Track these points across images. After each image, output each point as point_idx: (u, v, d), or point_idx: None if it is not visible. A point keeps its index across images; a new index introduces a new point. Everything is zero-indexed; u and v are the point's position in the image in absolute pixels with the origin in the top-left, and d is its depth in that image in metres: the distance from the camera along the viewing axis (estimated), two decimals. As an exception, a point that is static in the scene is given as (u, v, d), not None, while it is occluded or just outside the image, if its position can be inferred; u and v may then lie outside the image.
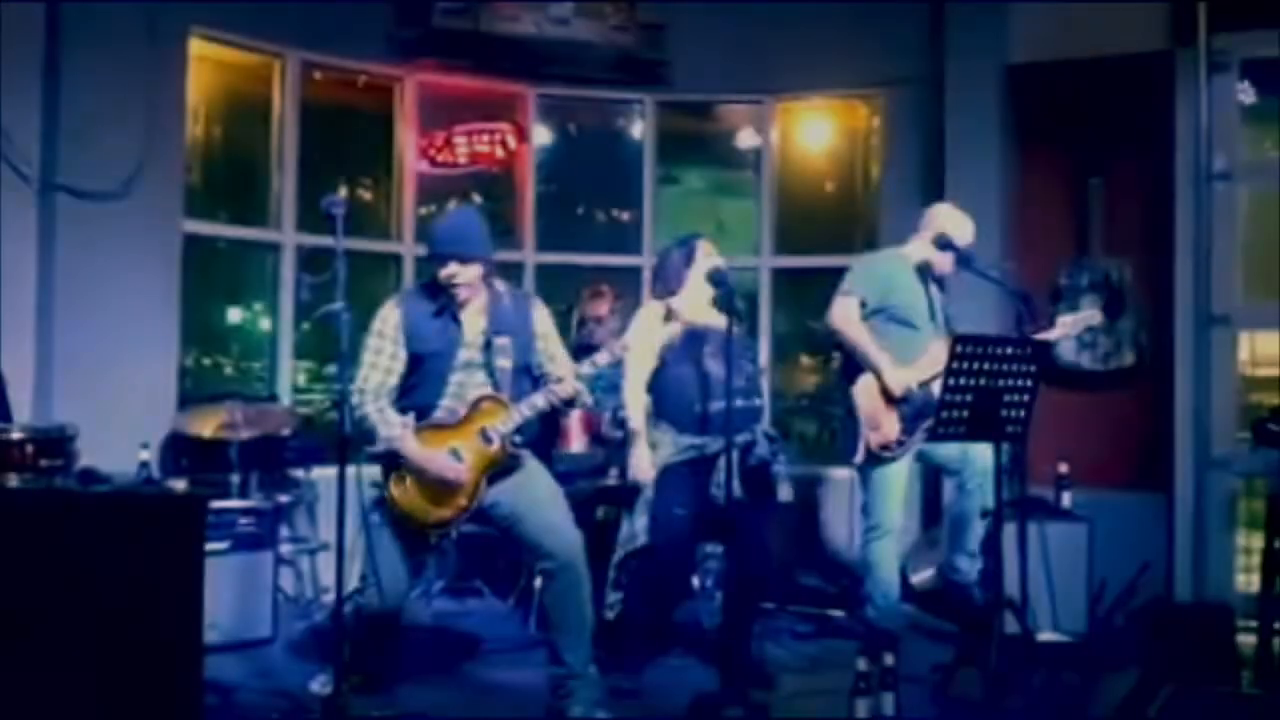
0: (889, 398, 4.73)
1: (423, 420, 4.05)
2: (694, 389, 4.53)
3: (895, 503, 4.85)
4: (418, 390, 4.09)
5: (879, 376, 4.74)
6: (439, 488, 4.01)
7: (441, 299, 4.09)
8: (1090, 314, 5.03)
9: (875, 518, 4.83)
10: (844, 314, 4.81)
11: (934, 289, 4.97)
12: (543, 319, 4.25)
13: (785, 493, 4.76)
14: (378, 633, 4.18)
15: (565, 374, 4.11)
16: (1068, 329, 4.93)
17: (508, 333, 4.11)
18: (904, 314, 4.83)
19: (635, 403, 4.65)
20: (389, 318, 4.07)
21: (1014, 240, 6.08)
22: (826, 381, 7.54)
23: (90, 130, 5.43)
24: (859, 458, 4.80)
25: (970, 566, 5.09)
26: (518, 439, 4.07)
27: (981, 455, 4.61)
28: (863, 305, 4.83)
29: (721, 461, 4.40)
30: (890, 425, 4.73)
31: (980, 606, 4.86)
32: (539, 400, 4.05)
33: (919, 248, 4.96)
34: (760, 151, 7.19)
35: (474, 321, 4.12)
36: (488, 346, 4.08)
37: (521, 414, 4.04)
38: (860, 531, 4.96)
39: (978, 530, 5.02)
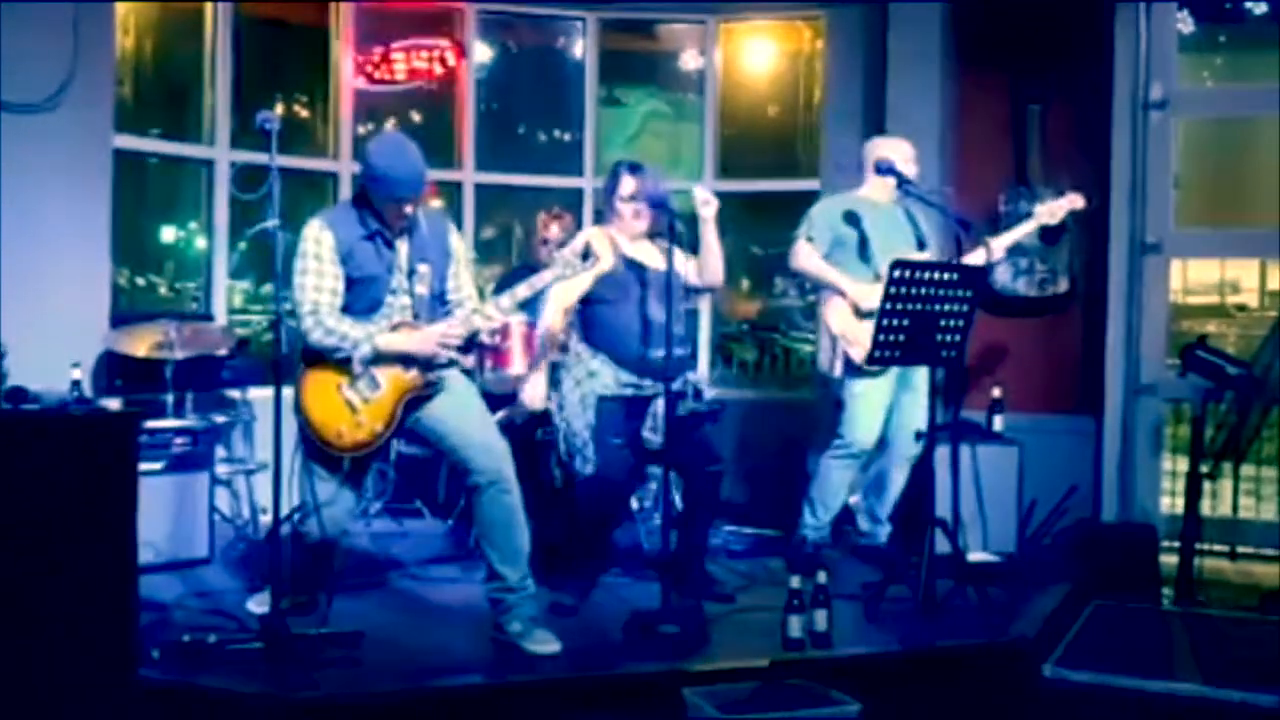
0: (860, 312, 4.93)
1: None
2: (632, 330, 4.52)
3: (868, 422, 5.02)
4: (347, 315, 3.97)
5: (845, 296, 5.02)
6: (363, 406, 3.95)
7: (371, 223, 3.98)
8: (1073, 198, 5.13)
9: (845, 435, 5.05)
10: (798, 255, 5.11)
11: (901, 219, 5.12)
12: (458, 242, 4.22)
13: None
14: (317, 557, 4.17)
15: (473, 299, 4.11)
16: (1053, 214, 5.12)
17: (430, 259, 4.06)
18: (861, 249, 5.04)
19: (553, 319, 4.66)
20: (322, 239, 3.92)
21: (954, 166, 6.10)
22: (767, 308, 7.59)
23: (16, 40, 5.23)
24: (838, 373, 5.04)
25: (877, 530, 5.19)
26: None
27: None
28: (810, 241, 5.09)
29: (654, 406, 4.51)
30: (869, 338, 4.79)
31: (888, 554, 5.03)
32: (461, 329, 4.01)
33: (868, 182, 5.15)
34: (704, 73, 7.14)
35: (401, 247, 4.03)
36: (412, 273, 4.02)
37: None
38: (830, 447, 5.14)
39: (894, 493, 5.18)
